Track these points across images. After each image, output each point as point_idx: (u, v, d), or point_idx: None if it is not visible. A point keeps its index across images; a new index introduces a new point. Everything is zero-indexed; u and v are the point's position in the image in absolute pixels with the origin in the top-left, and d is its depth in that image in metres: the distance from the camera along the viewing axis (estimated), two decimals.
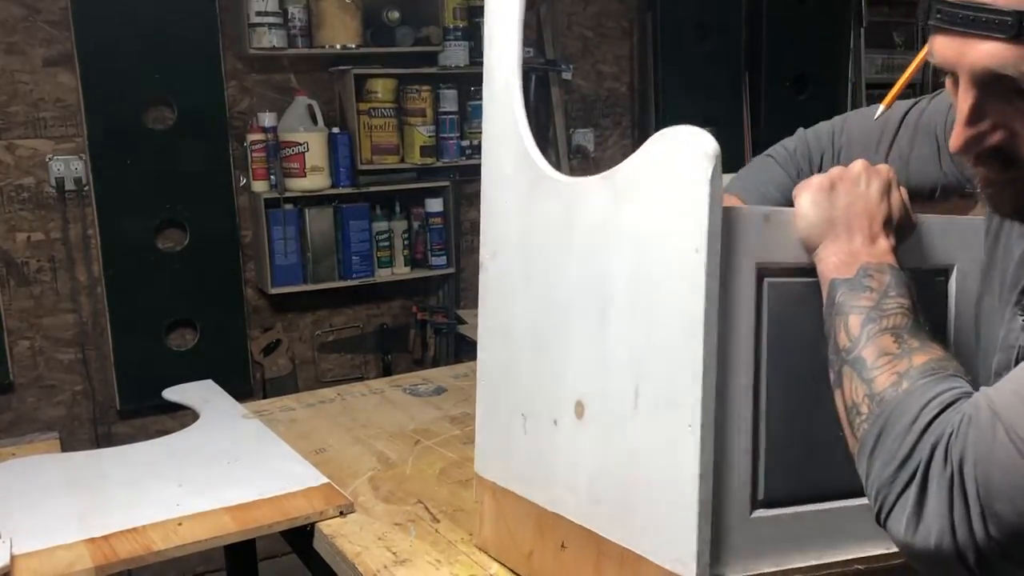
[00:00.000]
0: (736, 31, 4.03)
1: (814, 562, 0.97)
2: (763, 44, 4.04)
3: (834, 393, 0.88)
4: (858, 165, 0.96)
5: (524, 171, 1.19)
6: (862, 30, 4.27)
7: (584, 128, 3.90)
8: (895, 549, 0.89)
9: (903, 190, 0.98)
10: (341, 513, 1.47)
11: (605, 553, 1.02)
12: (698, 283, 0.88)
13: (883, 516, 0.80)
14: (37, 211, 3.05)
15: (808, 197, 0.95)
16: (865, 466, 0.83)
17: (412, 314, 3.66)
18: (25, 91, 2.98)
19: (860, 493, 0.98)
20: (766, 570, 0.94)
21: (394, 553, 1.36)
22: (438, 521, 1.46)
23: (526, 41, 3.95)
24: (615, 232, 1.00)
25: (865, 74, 4.30)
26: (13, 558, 1.29)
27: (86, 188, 3.05)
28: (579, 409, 1.06)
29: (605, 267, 1.02)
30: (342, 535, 1.42)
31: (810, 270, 0.95)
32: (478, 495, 1.33)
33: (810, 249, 0.95)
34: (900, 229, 0.96)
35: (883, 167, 0.97)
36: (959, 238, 1.03)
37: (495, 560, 1.30)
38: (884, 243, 0.92)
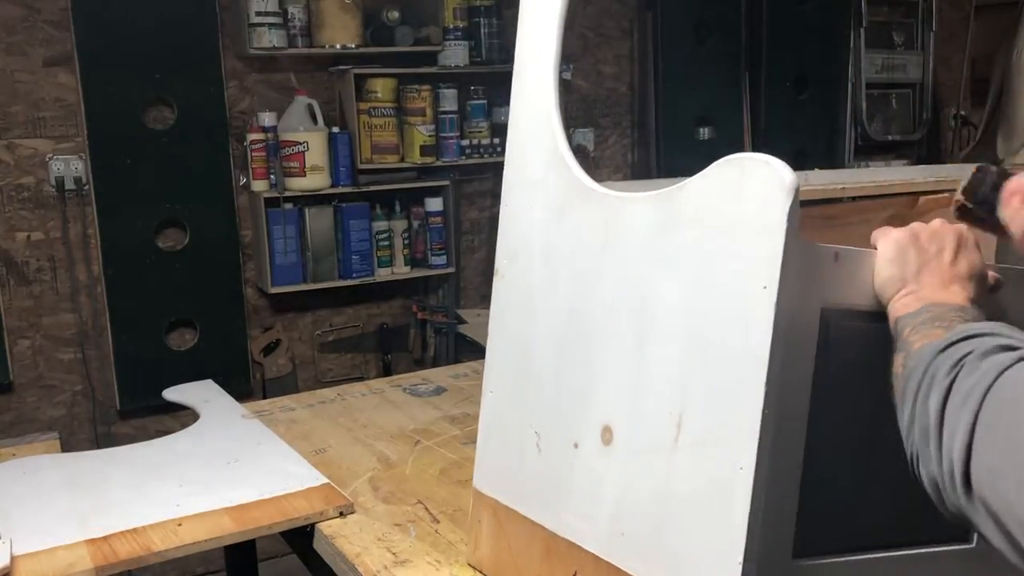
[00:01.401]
0: (736, 31, 4.03)
1: None
2: (763, 44, 4.04)
3: (897, 412, 0.84)
4: (936, 223, 0.95)
5: (556, 176, 1.13)
6: (862, 30, 4.26)
7: (584, 128, 3.90)
8: None
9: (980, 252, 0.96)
10: (341, 514, 1.47)
11: None
12: (765, 321, 0.82)
13: (916, 462, 0.78)
14: (37, 211, 3.05)
15: (886, 254, 0.94)
16: (903, 412, 0.81)
17: (412, 314, 3.65)
18: (25, 91, 2.98)
19: (901, 544, 0.96)
20: None
21: (394, 554, 1.36)
22: (438, 522, 1.46)
23: None
24: (665, 255, 0.94)
25: (865, 74, 4.30)
26: (13, 558, 1.29)
27: (86, 188, 3.05)
28: (606, 435, 1.01)
29: (649, 290, 0.96)
30: (342, 535, 1.41)
31: (874, 314, 0.92)
32: (476, 512, 1.27)
33: (884, 301, 0.93)
34: (977, 287, 0.93)
35: (960, 226, 0.95)
36: None
37: None
38: (958, 291, 0.91)
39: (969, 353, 0.76)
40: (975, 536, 1.02)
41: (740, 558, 0.84)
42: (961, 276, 0.92)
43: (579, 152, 3.86)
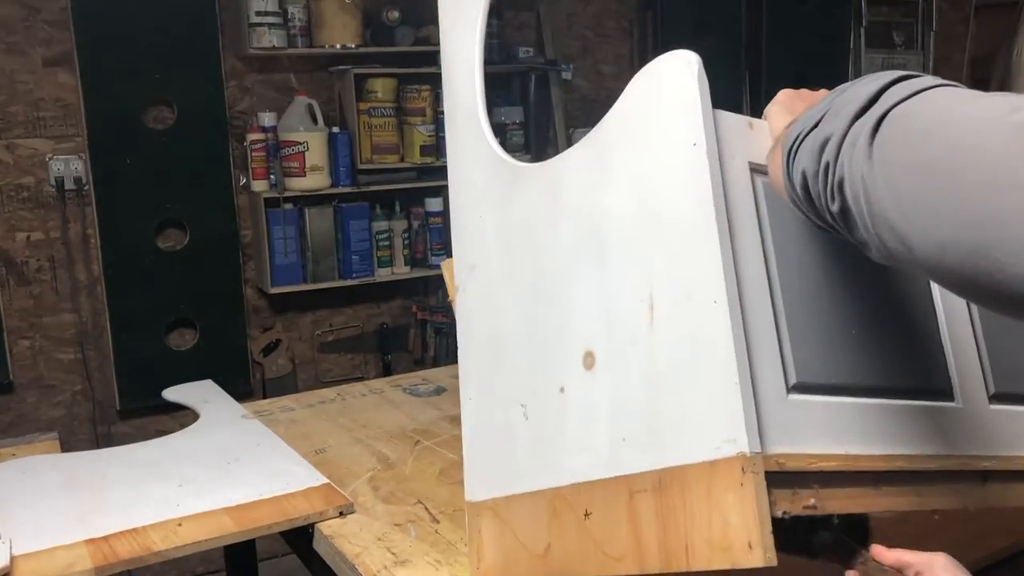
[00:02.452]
0: (736, 31, 4.03)
1: (854, 452, 0.94)
2: (763, 44, 4.04)
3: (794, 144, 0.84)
4: (823, 90, 0.99)
5: (498, 178, 1.19)
6: (862, 30, 4.27)
7: (584, 128, 3.90)
8: (932, 452, 0.94)
9: None
10: (341, 513, 1.47)
11: (639, 490, 0.97)
12: (701, 169, 0.89)
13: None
14: (37, 211, 3.05)
15: (775, 110, 0.99)
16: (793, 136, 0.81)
17: (412, 314, 3.66)
18: (25, 91, 2.98)
19: (886, 392, 0.98)
20: (808, 451, 0.91)
21: (394, 553, 1.36)
22: (438, 522, 1.46)
23: (526, 41, 3.95)
24: (607, 177, 1.01)
25: (865, 74, 4.30)
26: (13, 558, 1.29)
27: (86, 188, 3.06)
28: (588, 360, 1.04)
29: (599, 214, 1.02)
30: (342, 535, 1.41)
31: None
32: (473, 526, 1.26)
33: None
34: None
35: None
36: None
37: None
38: None
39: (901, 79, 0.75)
40: (958, 393, 1.05)
41: (736, 384, 0.85)
42: None
43: None
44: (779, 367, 0.92)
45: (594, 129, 1.04)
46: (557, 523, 1.11)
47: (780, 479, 0.86)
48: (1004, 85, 4.08)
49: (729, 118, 0.95)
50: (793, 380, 0.92)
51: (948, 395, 1.04)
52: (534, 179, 1.14)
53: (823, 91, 0.98)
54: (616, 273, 1.00)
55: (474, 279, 1.24)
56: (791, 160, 0.82)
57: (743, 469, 0.83)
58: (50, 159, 3.02)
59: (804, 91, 1.00)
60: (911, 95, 0.71)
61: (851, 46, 4.28)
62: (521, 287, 1.16)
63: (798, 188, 0.81)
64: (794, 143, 0.82)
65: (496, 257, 1.20)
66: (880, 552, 0.96)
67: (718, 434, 0.87)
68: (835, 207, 0.75)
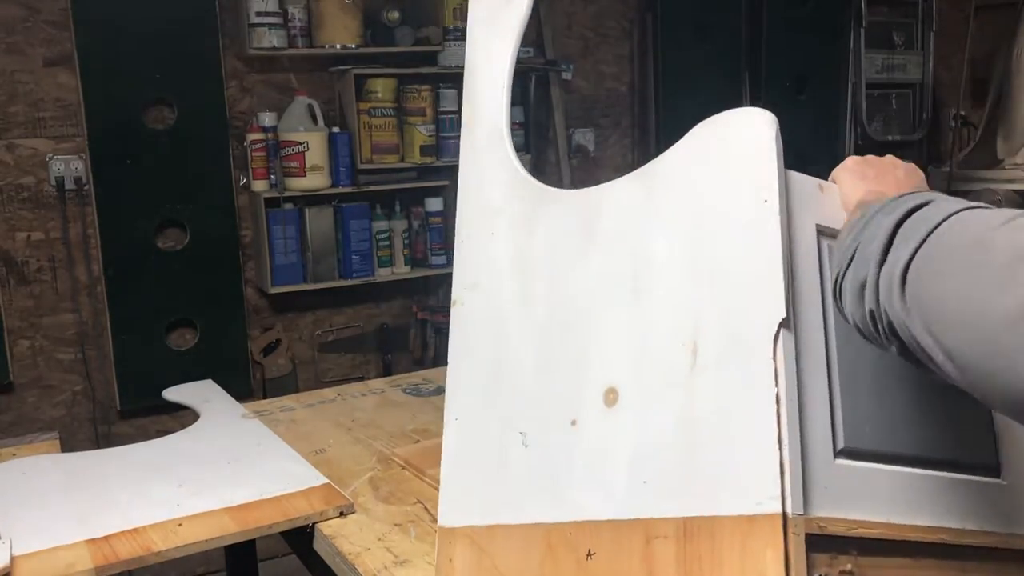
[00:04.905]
0: (736, 31, 4.03)
1: (896, 521, 0.94)
2: (763, 44, 4.04)
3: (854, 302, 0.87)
4: (889, 156, 1.02)
5: (519, 198, 1.16)
6: (862, 30, 4.27)
7: (584, 128, 3.90)
8: (974, 527, 0.95)
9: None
10: (341, 514, 1.47)
11: (658, 536, 0.94)
12: (772, 226, 0.89)
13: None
14: (37, 211, 3.05)
15: (845, 175, 0.99)
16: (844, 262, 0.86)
17: (412, 313, 3.66)
18: (25, 91, 2.98)
19: (933, 464, 0.98)
20: (850, 516, 0.91)
21: (394, 554, 1.36)
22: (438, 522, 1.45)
23: (526, 41, 3.95)
24: (655, 215, 1.00)
25: (865, 74, 4.30)
26: (13, 558, 1.29)
27: (86, 188, 3.06)
28: (610, 396, 1.01)
29: (640, 250, 1.00)
30: (342, 536, 1.42)
31: None
32: (443, 553, 1.22)
33: (849, 207, 0.98)
34: None
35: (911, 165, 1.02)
36: None
37: None
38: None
39: (931, 201, 0.81)
40: (1005, 470, 1.05)
41: (787, 450, 0.85)
42: (914, 187, 0.97)
43: (579, 152, 3.86)
44: (828, 430, 0.92)
45: (646, 166, 1.02)
46: (552, 559, 1.07)
47: (820, 542, 0.86)
48: (1004, 85, 4.08)
49: (800, 179, 0.95)
50: (841, 444, 0.92)
51: (995, 471, 1.04)
52: (563, 204, 1.11)
53: (889, 157, 1.01)
54: (654, 312, 0.98)
55: (477, 295, 1.21)
56: (838, 298, 0.87)
57: (783, 529, 0.84)
58: (50, 159, 3.02)
59: (871, 157, 1.02)
60: (925, 238, 0.76)
61: (851, 46, 4.28)
62: (534, 312, 1.13)
63: (852, 324, 0.86)
64: (837, 282, 0.87)
65: (508, 277, 1.17)
66: None
67: (761, 490, 0.87)
68: (894, 349, 0.81)
